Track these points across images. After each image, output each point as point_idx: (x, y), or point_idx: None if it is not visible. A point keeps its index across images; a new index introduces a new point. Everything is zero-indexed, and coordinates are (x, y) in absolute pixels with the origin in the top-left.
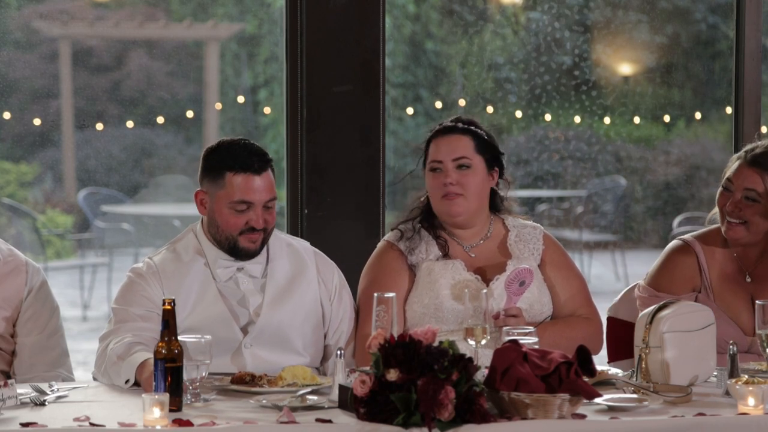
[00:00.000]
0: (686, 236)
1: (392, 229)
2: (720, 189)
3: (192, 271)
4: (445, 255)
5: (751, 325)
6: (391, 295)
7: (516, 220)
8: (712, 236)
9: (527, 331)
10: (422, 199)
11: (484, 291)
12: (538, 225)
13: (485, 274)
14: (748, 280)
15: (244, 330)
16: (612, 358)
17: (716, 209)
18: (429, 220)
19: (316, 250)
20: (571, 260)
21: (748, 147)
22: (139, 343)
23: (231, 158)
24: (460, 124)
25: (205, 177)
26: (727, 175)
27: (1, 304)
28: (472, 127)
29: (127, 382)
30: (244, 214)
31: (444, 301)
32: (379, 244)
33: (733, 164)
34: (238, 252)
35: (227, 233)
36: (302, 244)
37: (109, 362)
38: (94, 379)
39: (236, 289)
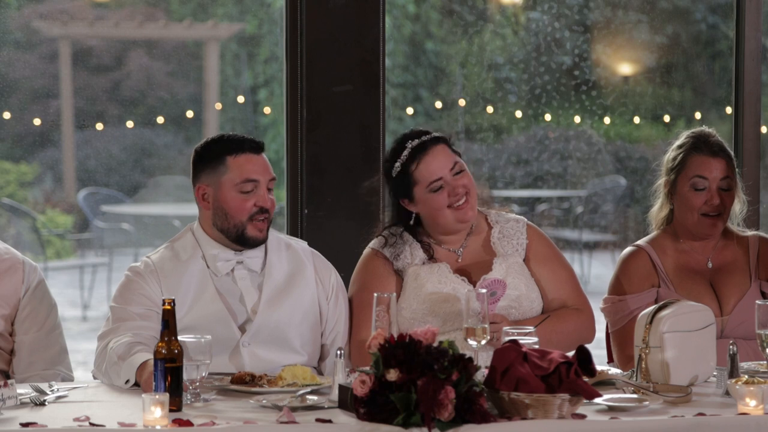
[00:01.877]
0: (635, 243)
1: (375, 237)
2: (688, 190)
3: (190, 270)
4: (431, 258)
5: (715, 307)
6: (390, 295)
7: (499, 214)
8: (660, 238)
9: (527, 330)
10: (396, 219)
11: (481, 291)
12: (521, 218)
13: (470, 275)
14: (710, 266)
15: (242, 329)
16: (612, 358)
17: (656, 213)
18: (411, 228)
19: (314, 250)
20: (558, 251)
21: (691, 140)
22: (139, 343)
23: (228, 144)
24: (425, 137)
25: (203, 170)
26: (694, 173)
27: (1, 302)
28: (438, 134)
29: (127, 382)
30: (251, 195)
31: (432, 305)
32: (364, 252)
33: (687, 162)
34: (245, 241)
35: (237, 220)
36: (300, 245)
37: (110, 362)
38: (94, 378)
39: (234, 287)
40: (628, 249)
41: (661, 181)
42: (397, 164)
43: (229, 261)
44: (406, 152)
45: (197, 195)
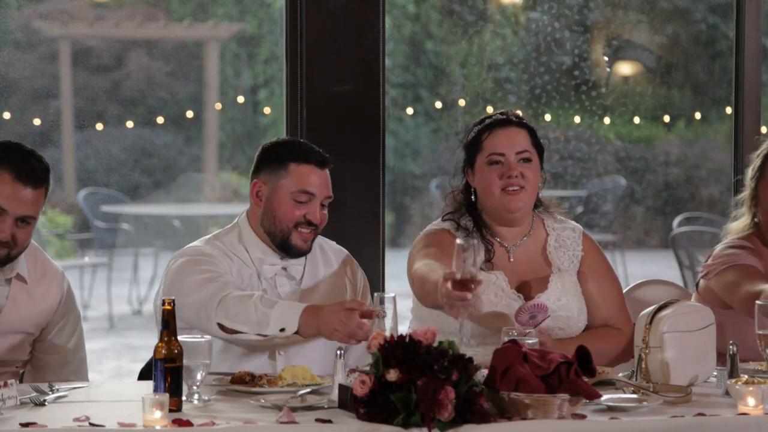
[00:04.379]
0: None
1: (444, 220)
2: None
3: (241, 272)
4: (489, 261)
5: None
6: (391, 295)
7: (556, 220)
8: (750, 238)
9: (527, 331)
10: (459, 195)
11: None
12: (578, 227)
13: (528, 290)
14: None
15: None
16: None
17: (736, 226)
18: (476, 220)
19: (342, 248)
20: (610, 266)
21: None
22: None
23: (296, 150)
24: (514, 117)
25: (264, 168)
26: None
27: (33, 330)
28: (524, 121)
29: (282, 330)
30: (304, 206)
31: (482, 321)
32: (433, 228)
33: (765, 167)
34: (288, 248)
35: (283, 225)
36: (331, 247)
37: (249, 305)
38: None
39: (274, 293)
40: (735, 240)
41: (746, 192)
42: (475, 129)
43: (274, 266)
44: (487, 121)
45: (252, 190)
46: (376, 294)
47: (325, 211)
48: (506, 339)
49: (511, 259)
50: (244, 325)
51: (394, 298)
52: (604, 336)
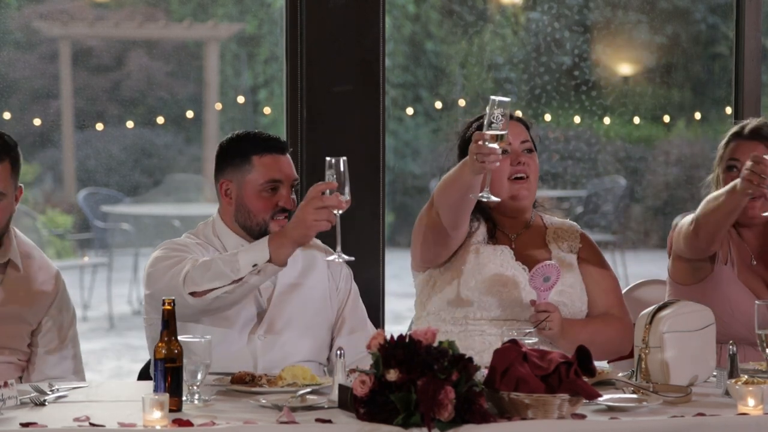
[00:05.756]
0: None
1: None
2: (720, 175)
3: None
4: (492, 237)
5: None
6: (343, 158)
7: (552, 218)
8: None
9: (527, 331)
10: None
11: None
12: (575, 223)
13: (531, 266)
14: (754, 263)
15: (260, 316)
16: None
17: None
18: (479, 210)
19: (327, 247)
20: (606, 260)
21: (736, 128)
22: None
23: (254, 142)
24: (514, 114)
25: (228, 166)
26: (727, 156)
27: (30, 319)
28: (526, 120)
29: (255, 266)
30: (275, 195)
31: (491, 286)
32: None
33: (728, 147)
34: None
35: (259, 218)
36: (317, 243)
37: (213, 264)
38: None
39: None
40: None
41: (712, 176)
42: (474, 125)
43: None
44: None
45: (220, 190)
46: (327, 158)
47: (294, 196)
48: (506, 339)
49: (513, 246)
50: (216, 281)
51: (345, 161)
52: (607, 321)
